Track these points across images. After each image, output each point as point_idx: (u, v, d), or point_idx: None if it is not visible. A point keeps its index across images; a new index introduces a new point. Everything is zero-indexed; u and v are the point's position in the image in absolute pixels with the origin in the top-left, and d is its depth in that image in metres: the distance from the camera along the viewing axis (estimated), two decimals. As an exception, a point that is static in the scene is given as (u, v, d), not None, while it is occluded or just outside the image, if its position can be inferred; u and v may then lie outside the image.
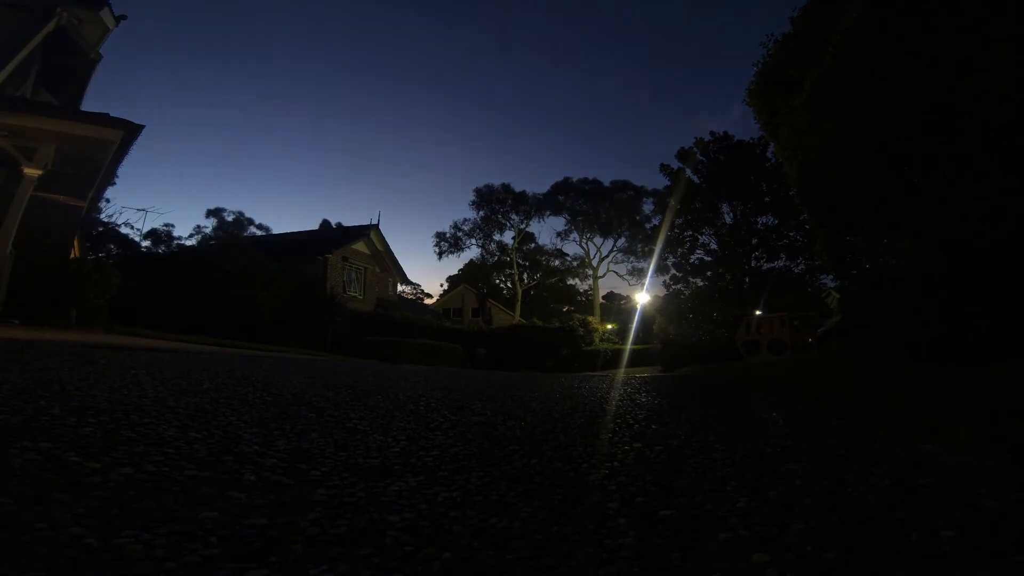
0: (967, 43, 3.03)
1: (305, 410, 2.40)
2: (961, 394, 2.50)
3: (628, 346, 22.13)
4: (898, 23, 3.50)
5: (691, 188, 12.94)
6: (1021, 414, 1.83)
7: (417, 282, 46.53)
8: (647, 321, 23.08)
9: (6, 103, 6.86)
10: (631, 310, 26.59)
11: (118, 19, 9.34)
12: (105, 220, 20.06)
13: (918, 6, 3.36)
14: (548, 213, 36.07)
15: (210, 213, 26.00)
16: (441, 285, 49.20)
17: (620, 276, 35.88)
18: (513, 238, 37.00)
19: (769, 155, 12.02)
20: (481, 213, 37.09)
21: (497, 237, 38.23)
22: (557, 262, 38.03)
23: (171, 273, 14.11)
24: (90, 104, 10.94)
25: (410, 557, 0.98)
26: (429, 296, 46.60)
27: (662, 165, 14.14)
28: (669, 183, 14.00)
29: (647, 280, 20.48)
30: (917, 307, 3.52)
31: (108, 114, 7.15)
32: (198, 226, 25.49)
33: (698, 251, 13.14)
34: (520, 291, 36.33)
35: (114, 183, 10.69)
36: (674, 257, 13.28)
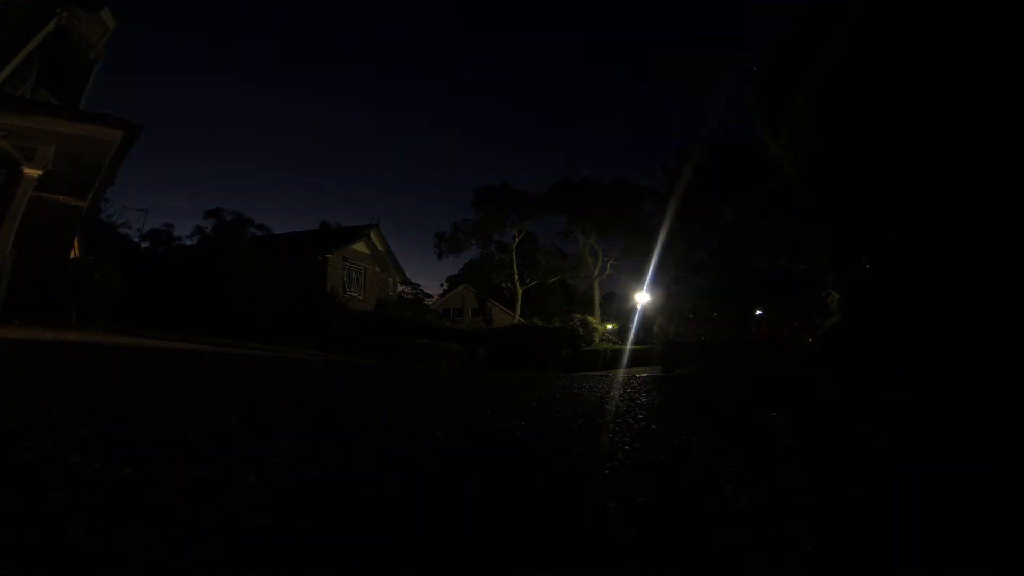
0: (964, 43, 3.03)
1: (306, 411, 2.40)
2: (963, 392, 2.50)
3: (628, 346, 22.11)
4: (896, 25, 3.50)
5: (691, 188, 12.95)
6: None
7: (417, 282, 46.47)
8: (647, 321, 23.07)
9: (6, 103, 6.86)
10: (631, 310, 26.52)
11: (118, 19, 9.33)
12: (105, 220, 20.03)
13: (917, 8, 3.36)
14: (548, 213, 36.00)
15: (209, 214, 25.92)
16: (441, 285, 49.13)
17: (620, 276, 35.84)
18: (513, 238, 36.95)
19: (769, 155, 12.02)
20: (481, 213, 37.04)
21: (497, 237, 38.18)
22: (557, 262, 37.96)
23: (171, 273, 14.11)
24: (90, 104, 10.91)
25: (412, 557, 0.98)
26: (429, 296, 46.52)
27: (662, 165, 14.22)
28: (670, 183, 14.01)
29: (647, 280, 20.40)
30: (918, 307, 3.52)
31: (108, 114, 7.15)
32: (198, 226, 25.43)
33: (698, 251, 13.15)
34: (520, 291, 36.28)
35: (114, 183, 10.66)
36: (674, 257, 13.28)
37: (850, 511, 1.23)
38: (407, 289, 36.03)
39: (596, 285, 35.56)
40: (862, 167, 3.96)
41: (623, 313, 32.57)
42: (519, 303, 35.91)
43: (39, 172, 7.24)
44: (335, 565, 0.93)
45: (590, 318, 26.49)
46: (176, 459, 1.46)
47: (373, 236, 24.33)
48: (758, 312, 10.99)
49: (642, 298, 22.23)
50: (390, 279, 26.53)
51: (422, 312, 27.62)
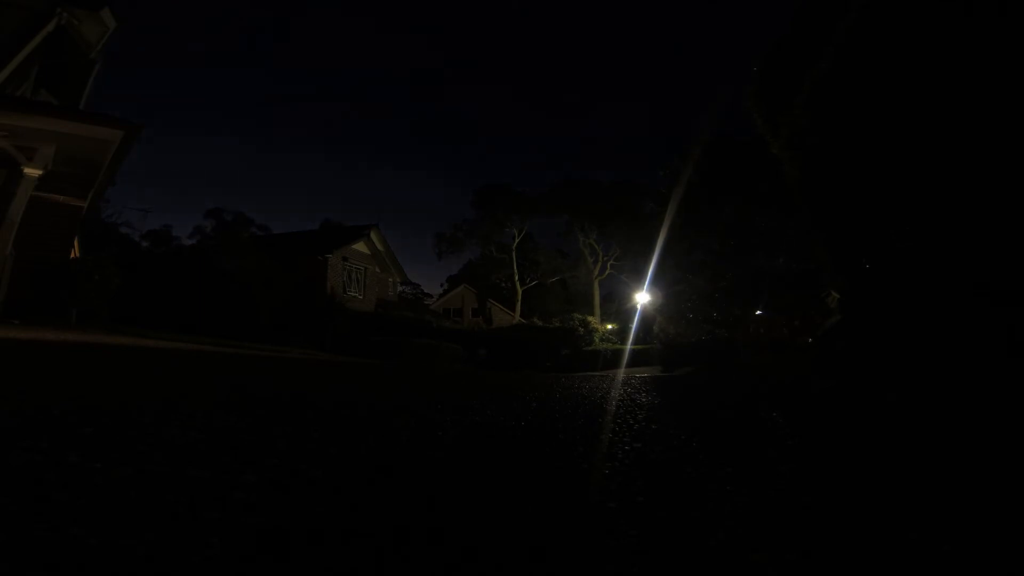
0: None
1: (306, 411, 2.40)
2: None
3: (628, 346, 22.13)
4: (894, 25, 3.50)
5: (691, 188, 12.94)
6: None
7: (417, 282, 46.59)
8: (647, 321, 23.06)
9: (6, 103, 6.86)
10: (631, 310, 26.54)
11: (118, 19, 9.34)
12: (105, 220, 20.05)
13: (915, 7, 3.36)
14: (548, 213, 36.04)
15: (209, 213, 26.06)
16: (441, 285, 49.24)
17: (620, 276, 35.84)
18: (513, 238, 36.99)
19: (769, 155, 11.99)
20: (481, 213, 37.10)
21: (497, 237, 38.23)
22: (557, 262, 38.01)
23: (171, 273, 14.13)
24: (91, 104, 10.92)
25: (412, 556, 0.98)
26: (429, 296, 46.61)
27: (663, 165, 14.18)
28: (670, 183, 14.01)
29: (647, 280, 20.42)
30: (918, 307, 3.52)
31: (108, 114, 7.17)
32: (198, 226, 25.56)
33: (698, 251, 13.15)
34: (520, 291, 36.31)
35: (114, 183, 10.67)
36: (674, 257, 13.28)
37: (850, 512, 1.24)
38: (407, 289, 36.08)
39: (596, 285, 35.57)
40: (862, 166, 3.96)
41: (623, 313, 32.59)
42: (519, 303, 35.94)
43: (39, 172, 7.25)
44: (336, 564, 0.93)
45: (590, 318, 26.51)
46: (176, 459, 1.46)
47: (373, 236, 24.34)
48: (758, 312, 11.00)
49: (642, 298, 22.23)
50: (390, 279, 26.54)
51: (422, 312, 27.64)
